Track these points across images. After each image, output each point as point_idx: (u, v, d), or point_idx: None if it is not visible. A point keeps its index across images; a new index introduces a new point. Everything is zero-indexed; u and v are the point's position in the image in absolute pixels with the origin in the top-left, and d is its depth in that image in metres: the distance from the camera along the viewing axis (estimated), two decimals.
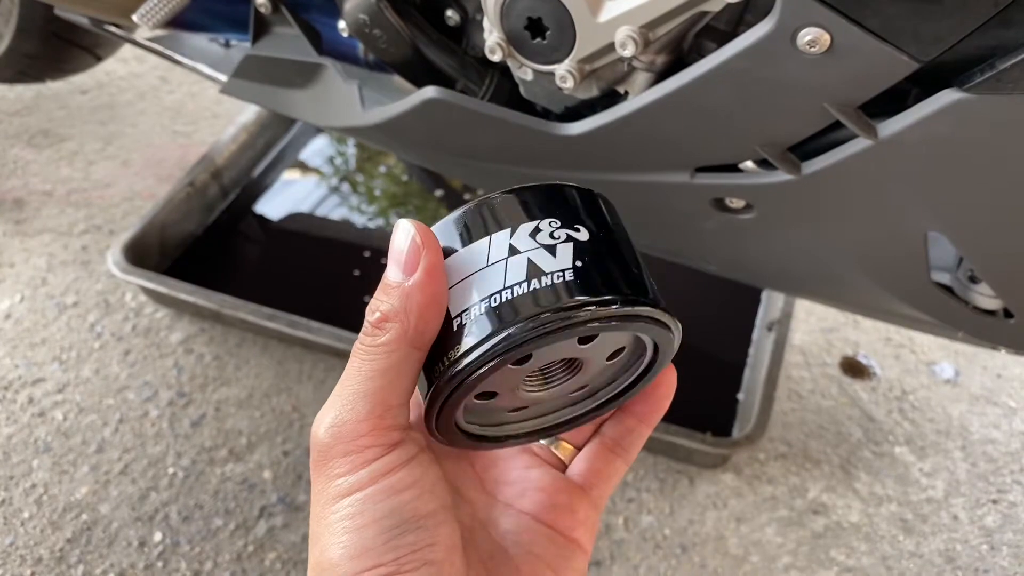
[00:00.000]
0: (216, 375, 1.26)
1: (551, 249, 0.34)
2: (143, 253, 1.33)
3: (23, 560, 1.04)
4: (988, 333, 0.78)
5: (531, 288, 0.33)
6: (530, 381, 0.39)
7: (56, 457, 1.15)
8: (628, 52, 0.62)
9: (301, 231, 1.52)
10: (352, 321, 1.22)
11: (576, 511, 0.42)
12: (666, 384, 0.43)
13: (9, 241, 1.46)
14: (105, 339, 1.31)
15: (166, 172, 1.61)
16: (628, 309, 0.33)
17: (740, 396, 1.23)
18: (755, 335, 1.31)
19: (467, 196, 1.57)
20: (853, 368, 1.31)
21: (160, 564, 1.05)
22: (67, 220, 1.50)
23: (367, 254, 1.45)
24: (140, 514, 1.10)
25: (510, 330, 0.32)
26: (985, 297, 0.74)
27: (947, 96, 0.54)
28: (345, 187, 1.61)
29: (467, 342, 0.33)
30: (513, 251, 0.34)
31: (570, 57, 0.66)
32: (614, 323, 0.33)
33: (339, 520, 0.33)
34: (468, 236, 0.35)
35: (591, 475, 0.43)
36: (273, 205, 1.56)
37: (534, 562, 0.39)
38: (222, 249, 1.47)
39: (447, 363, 0.34)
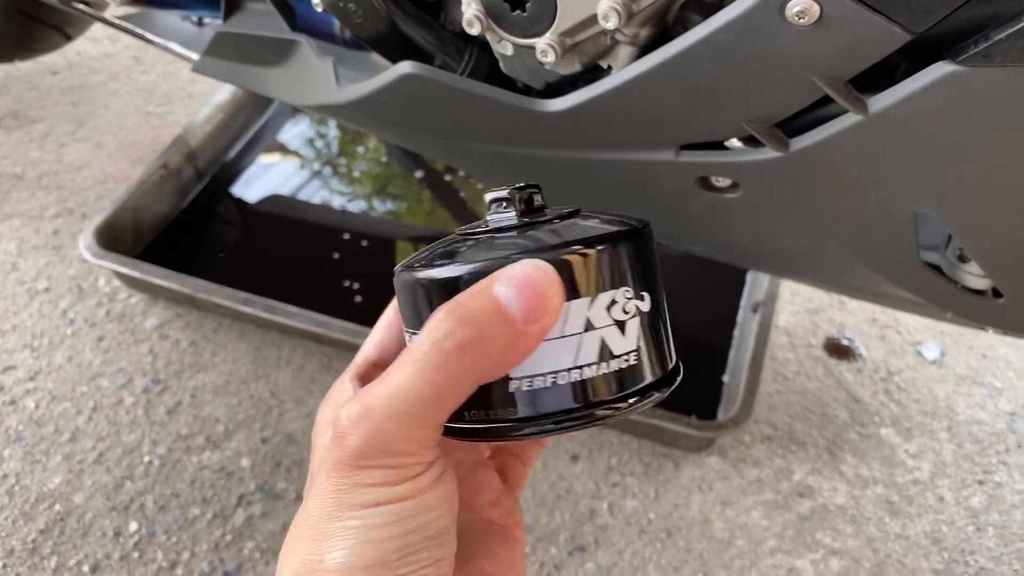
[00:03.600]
0: (192, 361, 1.23)
1: (622, 327, 0.32)
2: (116, 237, 1.30)
3: None
4: (977, 313, 0.77)
5: (598, 372, 0.31)
6: None
7: (28, 446, 1.13)
8: (611, 24, 0.60)
9: (279, 213, 1.49)
10: (331, 305, 1.20)
11: (515, 510, 0.43)
12: None
13: None
14: (78, 325, 1.28)
15: (140, 154, 1.58)
16: (666, 391, 0.34)
17: (725, 378, 1.22)
18: (740, 317, 1.30)
19: (448, 177, 1.55)
20: (838, 349, 1.30)
21: (136, 555, 1.03)
22: (38, 204, 1.47)
23: (346, 236, 1.43)
24: (115, 504, 1.08)
25: (563, 418, 0.31)
26: (974, 277, 0.73)
27: (939, 69, 0.52)
28: (324, 169, 1.58)
29: (521, 410, 0.32)
30: (589, 326, 0.31)
31: (551, 30, 0.64)
32: (654, 405, 0.33)
33: (358, 527, 0.30)
34: None
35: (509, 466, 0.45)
36: (250, 187, 1.53)
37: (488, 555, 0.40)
38: (198, 233, 1.44)
39: (490, 416, 0.32)
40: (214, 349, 1.25)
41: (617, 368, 0.31)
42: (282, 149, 1.62)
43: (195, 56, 0.98)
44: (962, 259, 0.73)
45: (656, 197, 0.78)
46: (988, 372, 1.27)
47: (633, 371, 0.32)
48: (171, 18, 1.07)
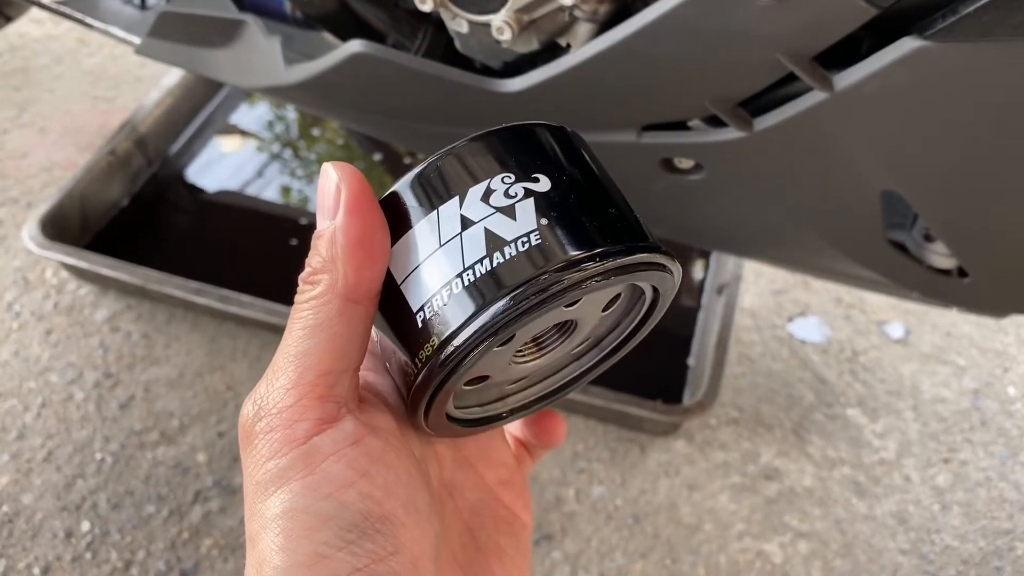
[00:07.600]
0: (144, 354, 1.19)
1: (509, 211, 0.29)
2: (63, 227, 1.26)
3: None
4: (942, 293, 0.76)
5: (495, 263, 0.29)
6: (522, 354, 0.35)
7: None
8: (568, 0, 0.57)
9: (232, 199, 1.45)
10: (288, 294, 1.17)
11: (525, 491, 0.39)
12: None
13: None
14: (24, 319, 1.23)
15: (87, 140, 1.52)
16: (613, 262, 0.29)
17: (690, 362, 1.21)
18: (704, 299, 1.29)
19: (408, 160, 1.52)
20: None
21: (89, 555, 1.00)
22: None
23: (303, 221, 1.39)
24: (66, 503, 1.04)
25: (483, 317, 0.28)
26: (940, 256, 0.72)
27: (906, 44, 0.50)
28: (279, 152, 1.54)
29: (437, 336, 0.29)
30: (466, 223, 0.29)
31: (506, 6, 0.61)
32: (598, 281, 0.29)
33: (277, 519, 0.27)
34: (414, 213, 0.31)
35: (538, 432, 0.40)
36: (202, 173, 1.49)
37: (494, 547, 0.37)
38: (148, 221, 1.40)
39: (420, 363, 0.30)
40: (167, 341, 1.21)
41: (515, 252, 0.29)
42: (237, 132, 1.57)
43: (138, 40, 0.94)
44: (928, 239, 0.72)
45: (618, 180, 0.76)
46: (952, 350, 1.27)
47: (541, 249, 0.29)
48: (113, 2, 1.03)
